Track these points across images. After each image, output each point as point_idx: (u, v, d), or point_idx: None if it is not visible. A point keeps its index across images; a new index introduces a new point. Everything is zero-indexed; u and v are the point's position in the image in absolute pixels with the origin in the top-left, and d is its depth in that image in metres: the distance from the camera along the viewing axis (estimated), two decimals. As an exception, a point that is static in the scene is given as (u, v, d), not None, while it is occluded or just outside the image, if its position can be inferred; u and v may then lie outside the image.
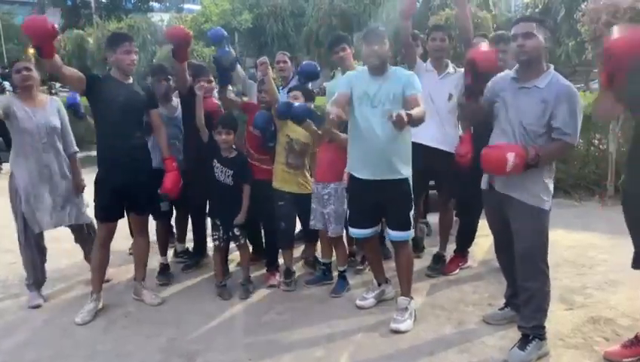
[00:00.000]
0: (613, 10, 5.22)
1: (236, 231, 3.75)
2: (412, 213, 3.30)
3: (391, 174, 3.17)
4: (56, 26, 3.14)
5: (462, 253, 4.14)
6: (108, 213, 3.55)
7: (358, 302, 3.55)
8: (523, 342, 2.85)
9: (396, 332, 3.18)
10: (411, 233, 3.35)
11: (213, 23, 12.54)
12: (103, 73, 3.70)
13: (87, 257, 4.06)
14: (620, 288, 3.65)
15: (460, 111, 3.73)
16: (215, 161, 3.71)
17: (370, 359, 2.97)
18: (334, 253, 3.92)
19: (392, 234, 3.32)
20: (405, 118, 2.61)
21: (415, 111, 2.80)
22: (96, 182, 3.56)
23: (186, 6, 20.26)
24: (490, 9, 9.77)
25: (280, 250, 4.01)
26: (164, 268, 4.20)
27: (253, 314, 3.53)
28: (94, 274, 3.66)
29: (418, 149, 3.40)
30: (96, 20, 15.03)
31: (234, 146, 3.75)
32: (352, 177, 3.34)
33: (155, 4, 24.28)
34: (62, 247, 4.36)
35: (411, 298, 3.36)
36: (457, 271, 4.06)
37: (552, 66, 2.79)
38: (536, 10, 9.41)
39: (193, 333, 3.31)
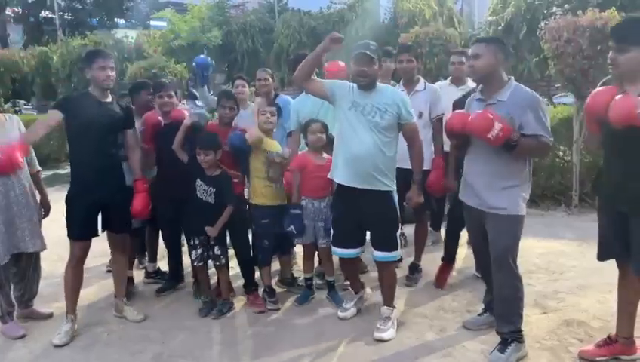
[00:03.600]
0: (573, 28, 5.52)
1: (217, 251, 3.69)
2: (399, 232, 3.32)
3: (373, 184, 3.21)
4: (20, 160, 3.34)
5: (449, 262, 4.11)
6: (82, 230, 3.47)
7: (340, 314, 3.58)
8: (502, 345, 2.96)
9: (380, 340, 3.24)
10: (397, 254, 3.38)
11: (182, 39, 12.53)
12: (78, 92, 3.61)
13: (23, 301, 3.75)
14: (590, 292, 3.82)
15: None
16: (198, 179, 3.67)
17: (355, 363, 3.05)
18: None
19: (377, 254, 3.33)
20: (417, 192, 3.35)
21: (417, 171, 3.36)
22: (68, 200, 3.47)
23: (153, 23, 20.10)
24: (455, 27, 10.09)
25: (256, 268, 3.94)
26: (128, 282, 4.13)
27: (239, 328, 3.56)
28: (68, 295, 3.54)
29: None
30: (61, 37, 14.80)
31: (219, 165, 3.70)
32: (337, 190, 3.40)
33: (121, 21, 24.08)
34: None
35: (394, 307, 3.43)
36: (448, 279, 4.06)
37: (512, 78, 2.95)
38: (499, 27, 9.73)
39: (179, 349, 3.31)
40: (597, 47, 5.41)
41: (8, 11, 23.67)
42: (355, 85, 3.27)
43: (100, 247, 3.93)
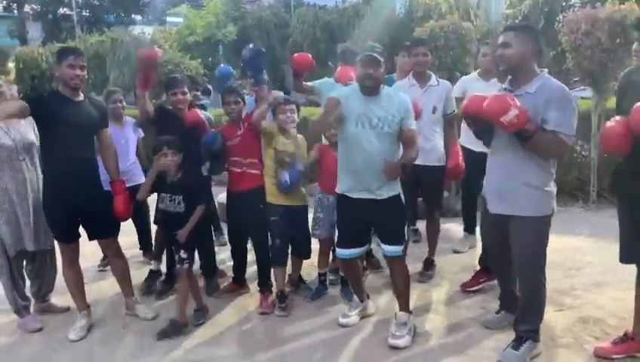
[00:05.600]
0: (591, 21, 5.42)
1: (182, 254, 3.43)
2: (405, 225, 3.30)
3: (383, 193, 3.14)
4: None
5: (486, 269, 3.83)
6: (63, 234, 3.42)
7: (342, 320, 3.46)
8: (517, 343, 2.92)
9: (395, 347, 3.14)
10: (404, 246, 3.33)
11: (197, 35, 12.61)
12: (50, 90, 3.44)
13: (40, 296, 3.82)
14: (606, 289, 3.76)
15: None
16: (159, 193, 3.47)
17: (369, 363, 3.04)
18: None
19: (387, 248, 3.26)
20: (399, 170, 3.01)
21: (409, 158, 3.12)
22: (44, 206, 3.40)
23: (169, 19, 20.22)
24: (471, 20, 9.96)
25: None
26: (153, 275, 4.19)
27: (252, 324, 3.56)
28: (74, 294, 3.55)
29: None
30: (79, 34, 14.93)
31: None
32: (341, 197, 3.26)
33: (137, 17, 24.31)
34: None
35: (410, 312, 3.31)
36: (479, 286, 3.86)
37: (545, 70, 2.83)
38: (516, 20, 9.59)
39: (192, 343, 3.33)
40: (616, 40, 5.30)
41: (27, 9, 24.02)
42: (357, 92, 3.15)
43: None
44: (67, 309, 3.84)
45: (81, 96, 3.36)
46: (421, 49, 3.96)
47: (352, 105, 3.13)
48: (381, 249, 3.35)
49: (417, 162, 3.56)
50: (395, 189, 3.19)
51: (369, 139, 3.08)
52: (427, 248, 4.29)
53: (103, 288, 4.18)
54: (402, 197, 3.25)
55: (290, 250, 3.82)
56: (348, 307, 3.56)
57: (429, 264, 4.20)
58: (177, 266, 3.47)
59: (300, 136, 3.75)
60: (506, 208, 2.89)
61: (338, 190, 3.27)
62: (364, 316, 3.54)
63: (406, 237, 3.33)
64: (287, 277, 3.86)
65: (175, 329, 3.40)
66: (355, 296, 3.56)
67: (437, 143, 3.98)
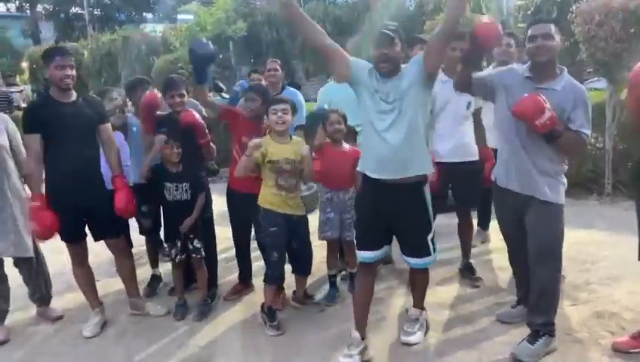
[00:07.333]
0: (605, 11, 5.34)
1: (196, 243, 3.60)
2: (430, 236, 2.99)
3: (404, 172, 2.84)
4: None
5: None
6: (69, 235, 3.40)
7: (342, 360, 2.94)
8: (532, 337, 2.88)
9: (406, 344, 3.09)
10: (433, 259, 3.04)
11: (207, 32, 12.62)
12: (41, 96, 3.40)
13: (36, 299, 3.78)
14: (622, 283, 3.71)
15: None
16: (167, 183, 3.54)
17: (382, 358, 3.03)
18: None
19: (410, 261, 3.05)
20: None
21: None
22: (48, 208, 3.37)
23: (180, 16, 20.31)
24: (483, 12, 9.87)
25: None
26: (154, 280, 4.17)
27: (259, 322, 3.50)
28: (86, 292, 3.57)
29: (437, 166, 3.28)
30: (90, 33, 15.05)
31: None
32: (364, 178, 3.00)
33: (149, 15, 24.49)
34: (65, 258, 4.27)
35: (423, 309, 3.25)
36: None
37: (564, 69, 2.83)
38: (528, 12, 9.47)
39: (205, 339, 3.35)
40: (630, 29, 5.22)
41: (40, 8, 24.27)
42: (376, 71, 2.89)
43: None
44: (60, 317, 3.76)
45: (74, 96, 3.33)
46: (459, 44, 3.57)
47: (367, 79, 2.89)
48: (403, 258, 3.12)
49: (452, 160, 3.51)
50: (418, 173, 2.88)
51: (388, 116, 2.84)
52: (444, 242, 4.14)
53: (116, 285, 4.18)
54: (427, 192, 2.97)
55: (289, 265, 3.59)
56: (348, 346, 3.00)
57: (470, 268, 3.98)
58: (194, 256, 3.64)
59: (298, 138, 3.53)
60: (526, 188, 2.85)
61: (360, 168, 3.04)
62: (365, 360, 3.01)
63: (433, 250, 3.03)
64: (291, 295, 3.76)
65: (209, 307, 3.71)
66: (354, 332, 3.02)
67: (470, 138, 3.77)
